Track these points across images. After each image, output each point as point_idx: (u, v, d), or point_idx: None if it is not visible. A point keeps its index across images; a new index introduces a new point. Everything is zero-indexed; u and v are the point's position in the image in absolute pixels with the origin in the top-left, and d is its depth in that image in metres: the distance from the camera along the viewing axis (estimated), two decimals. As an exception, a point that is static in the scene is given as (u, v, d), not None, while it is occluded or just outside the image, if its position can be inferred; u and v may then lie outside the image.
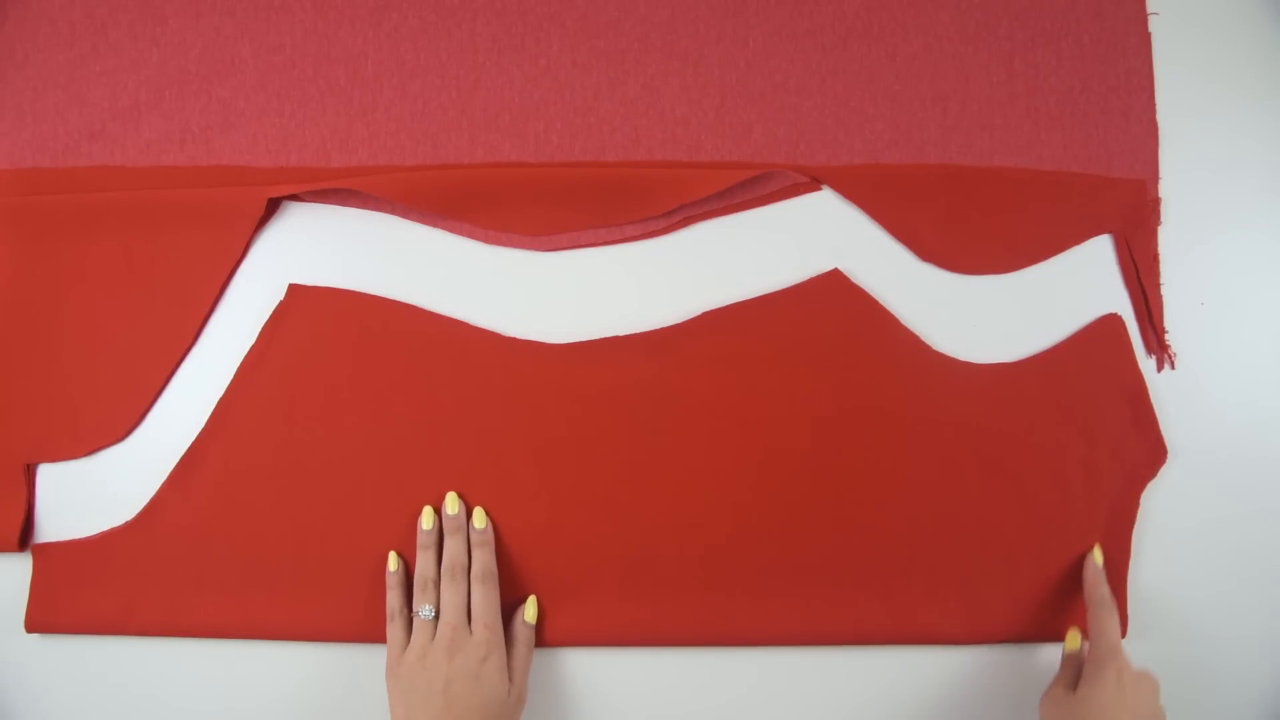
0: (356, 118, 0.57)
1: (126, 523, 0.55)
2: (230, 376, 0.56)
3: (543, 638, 0.55)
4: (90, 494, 0.56)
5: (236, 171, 0.57)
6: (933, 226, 0.57)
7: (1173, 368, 0.57)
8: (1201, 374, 0.57)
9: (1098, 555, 0.55)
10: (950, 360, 0.56)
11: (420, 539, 0.54)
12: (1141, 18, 0.58)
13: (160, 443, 0.56)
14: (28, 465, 0.56)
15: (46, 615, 0.55)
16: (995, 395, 0.56)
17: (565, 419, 0.55)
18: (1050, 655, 0.56)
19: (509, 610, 0.54)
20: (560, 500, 0.55)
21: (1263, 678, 0.57)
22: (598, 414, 0.55)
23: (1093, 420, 0.56)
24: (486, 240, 0.57)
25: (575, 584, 0.55)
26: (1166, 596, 0.56)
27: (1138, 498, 0.56)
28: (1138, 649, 0.56)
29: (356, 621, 0.54)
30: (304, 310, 0.56)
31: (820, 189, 0.58)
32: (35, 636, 0.56)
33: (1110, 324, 0.57)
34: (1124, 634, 0.55)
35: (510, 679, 0.52)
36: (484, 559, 0.53)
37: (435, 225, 0.57)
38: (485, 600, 0.52)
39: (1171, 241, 0.58)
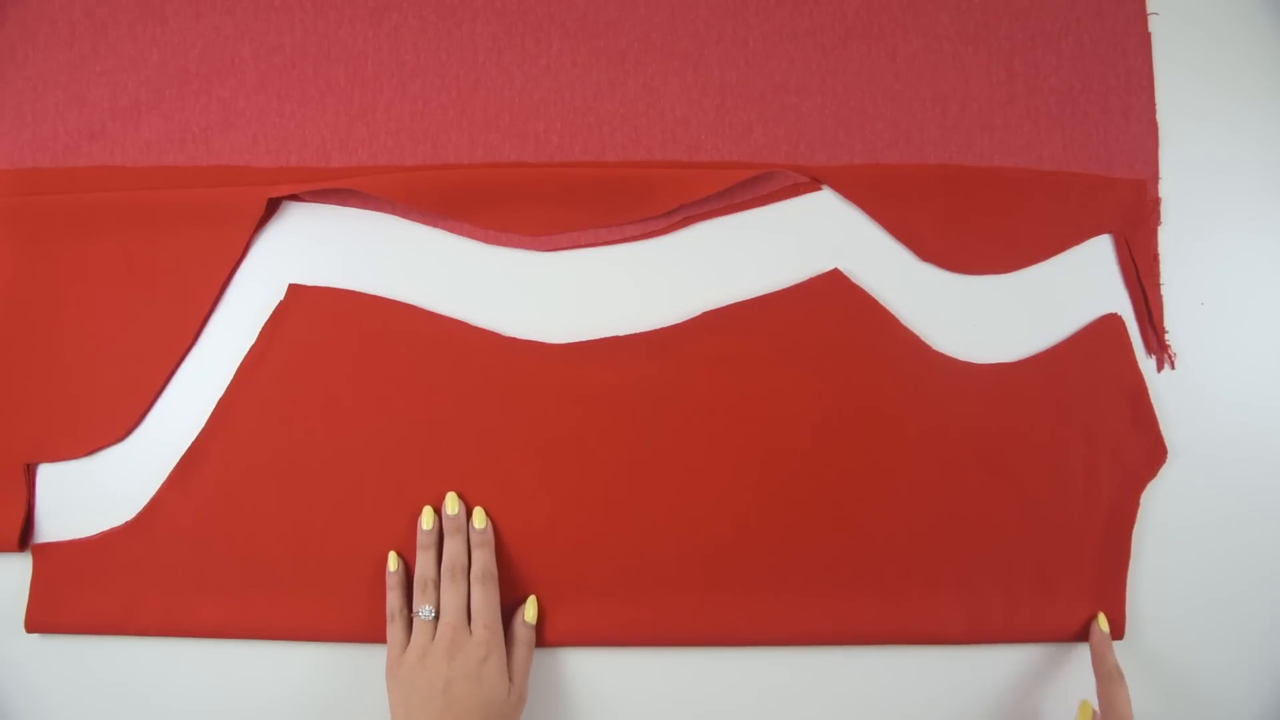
0: (356, 118, 0.57)
1: (126, 523, 0.55)
2: (230, 376, 0.56)
3: (543, 638, 0.55)
4: (90, 494, 0.56)
5: (236, 171, 0.57)
6: (933, 226, 0.57)
7: (1173, 368, 0.57)
8: (1201, 374, 0.57)
9: (1103, 623, 0.54)
10: (950, 360, 0.56)
11: (420, 539, 0.54)
12: (1141, 18, 0.58)
13: (160, 443, 0.56)
14: (28, 465, 0.56)
15: (46, 615, 0.55)
16: (995, 395, 0.56)
17: (565, 419, 0.55)
18: (1050, 655, 0.56)
19: (509, 610, 0.54)
20: (560, 500, 0.55)
21: (1263, 678, 0.57)
22: (598, 414, 0.55)
23: (1093, 420, 0.56)
24: (486, 240, 0.57)
25: (575, 584, 0.55)
26: (1166, 596, 0.56)
27: (1138, 498, 0.56)
28: (1138, 649, 0.56)
29: (357, 621, 0.54)
30: (304, 310, 0.56)
31: (820, 189, 0.58)
32: (35, 636, 0.56)
33: (1110, 324, 0.57)
34: (1123, 634, 0.55)
35: (510, 679, 0.52)
36: (484, 559, 0.53)
37: (435, 225, 0.57)
38: (485, 600, 0.52)
39: (1171, 241, 0.58)
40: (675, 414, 0.55)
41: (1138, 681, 0.56)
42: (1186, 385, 0.57)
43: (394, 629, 0.53)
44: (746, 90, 0.58)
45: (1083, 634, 0.55)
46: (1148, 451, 0.56)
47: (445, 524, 0.54)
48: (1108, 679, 0.52)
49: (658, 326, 0.56)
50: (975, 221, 0.57)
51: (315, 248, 0.57)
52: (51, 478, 0.56)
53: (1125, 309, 0.57)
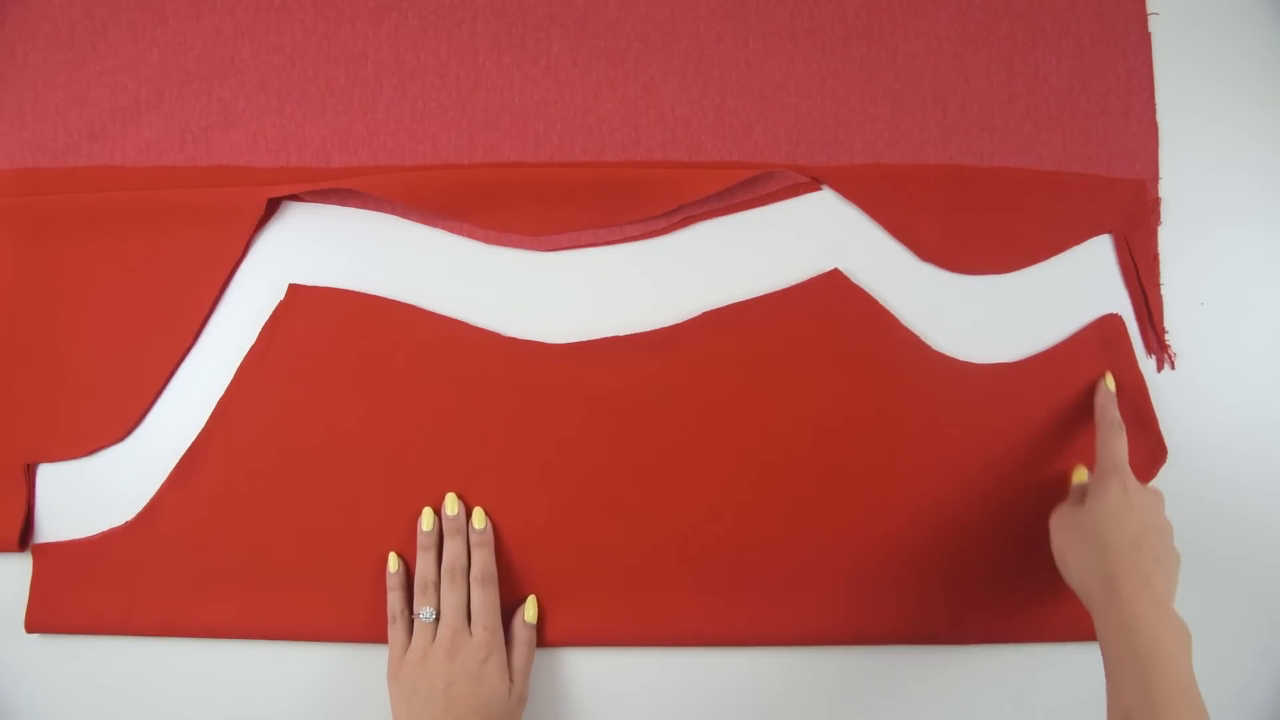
0: (356, 118, 0.57)
1: (126, 523, 0.55)
2: (230, 376, 0.56)
3: (543, 638, 0.55)
4: (90, 494, 0.56)
5: (236, 171, 0.57)
6: (933, 226, 0.57)
7: (1173, 368, 0.57)
8: (1201, 374, 0.57)
9: (1110, 381, 0.55)
10: (950, 360, 0.56)
11: (420, 540, 0.54)
12: (1141, 18, 0.58)
13: (160, 443, 0.56)
14: (28, 465, 0.56)
15: (46, 615, 0.55)
16: (995, 395, 0.56)
17: (565, 419, 0.55)
18: (1051, 655, 0.56)
19: (509, 611, 0.54)
20: (560, 500, 0.55)
21: (1263, 678, 0.57)
22: (598, 414, 0.55)
23: (1093, 420, 0.56)
24: (486, 240, 0.57)
25: (575, 584, 0.55)
26: (1166, 596, 0.56)
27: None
28: (1138, 649, 0.56)
29: (357, 622, 0.54)
30: (304, 310, 0.56)
31: (820, 189, 0.58)
32: (35, 636, 0.56)
33: (1110, 324, 0.57)
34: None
35: (511, 679, 0.52)
36: (483, 560, 0.53)
37: (435, 225, 0.57)
38: (485, 601, 0.52)
39: (1171, 241, 0.58)
40: (675, 414, 0.55)
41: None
42: (1186, 385, 0.57)
43: (395, 630, 0.53)
44: (746, 90, 0.58)
45: (1084, 634, 0.55)
46: (1148, 451, 0.56)
47: (445, 525, 0.54)
48: (1108, 428, 0.53)
49: (658, 326, 0.56)
50: (975, 221, 0.57)
51: (315, 248, 0.57)
52: (51, 478, 0.56)
53: (1125, 309, 0.57)
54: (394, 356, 0.56)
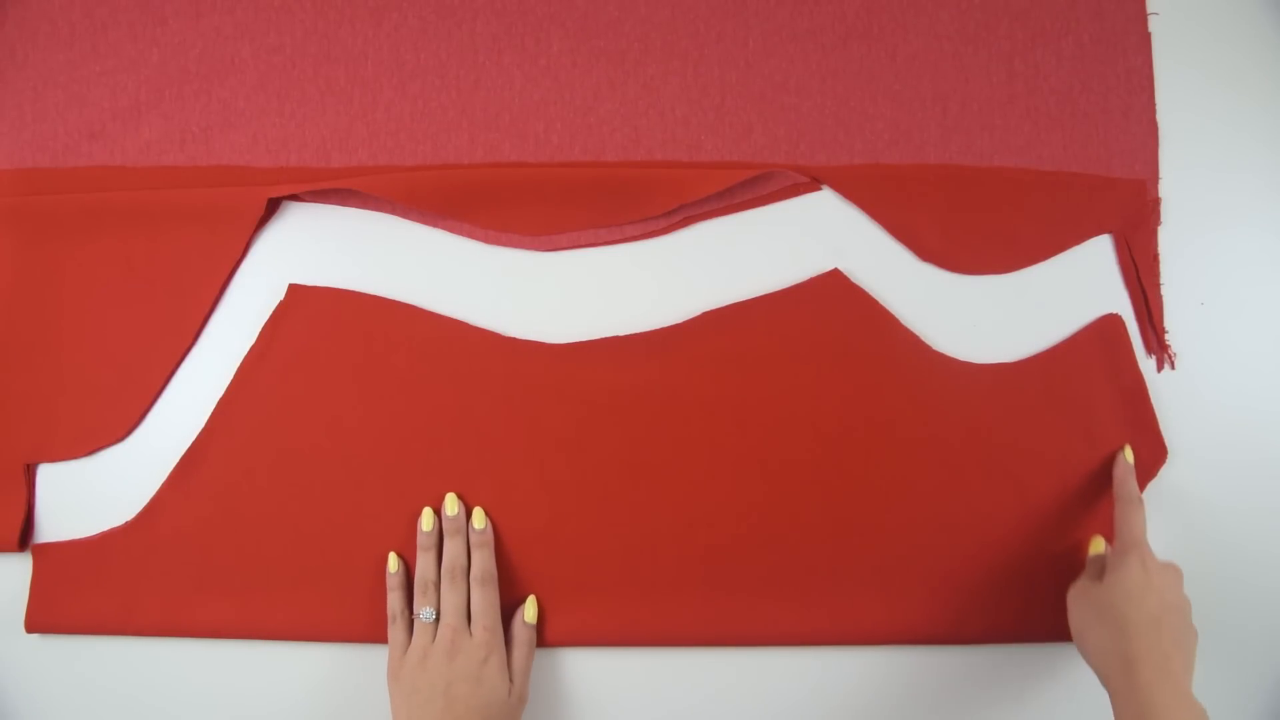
0: (356, 118, 0.57)
1: (126, 523, 0.55)
2: (230, 376, 0.56)
3: (543, 638, 0.55)
4: (90, 494, 0.56)
5: (236, 171, 0.57)
6: (933, 226, 0.57)
7: (1173, 368, 0.57)
8: (1201, 374, 0.57)
9: (1128, 454, 0.55)
10: (950, 360, 0.56)
11: (420, 540, 0.54)
12: (1141, 18, 0.58)
13: (160, 443, 0.56)
14: (28, 465, 0.56)
15: (46, 615, 0.55)
16: (995, 395, 0.56)
17: (565, 419, 0.55)
18: (1051, 655, 0.56)
19: (509, 611, 0.54)
20: (560, 500, 0.55)
21: (1263, 677, 0.57)
22: (598, 414, 0.55)
23: (1093, 420, 0.56)
24: (486, 240, 0.57)
25: (575, 584, 0.55)
26: (1166, 596, 0.56)
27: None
28: (1138, 649, 0.56)
29: (357, 622, 0.54)
30: (304, 310, 0.56)
31: (820, 189, 0.58)
32: (35, 636, 0.56)
33: (1110, 324, 0.57)
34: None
35: (510, 679, 0.52)
36: (483, 560, 0.53)
37: (435, 225, 0.57)
38: (484, 602, 0.52)
39: (1171, 241, 0.58)
40: (675, 414, 0.55)
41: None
42: (1186, 385, 0.57)
43: (395, 630, 0.53)
44: (746, 90, 0.58)
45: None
46: (1148, 451, 0.56)
47: (445, 525, 0.54)
48: (1127, 502, 0.53)
49: (658, 326, 0.56)
50: (975, 221, 0.57)
51: (315, 248, 0.57)
52: (51, 478, 0.56)
53: (1125, 309, 0.57)
54: (394, 356, 0.56)
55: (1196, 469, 0.57)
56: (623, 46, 0.58)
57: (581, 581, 0.55)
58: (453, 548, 0.54)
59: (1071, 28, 0.58)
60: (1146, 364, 0.57)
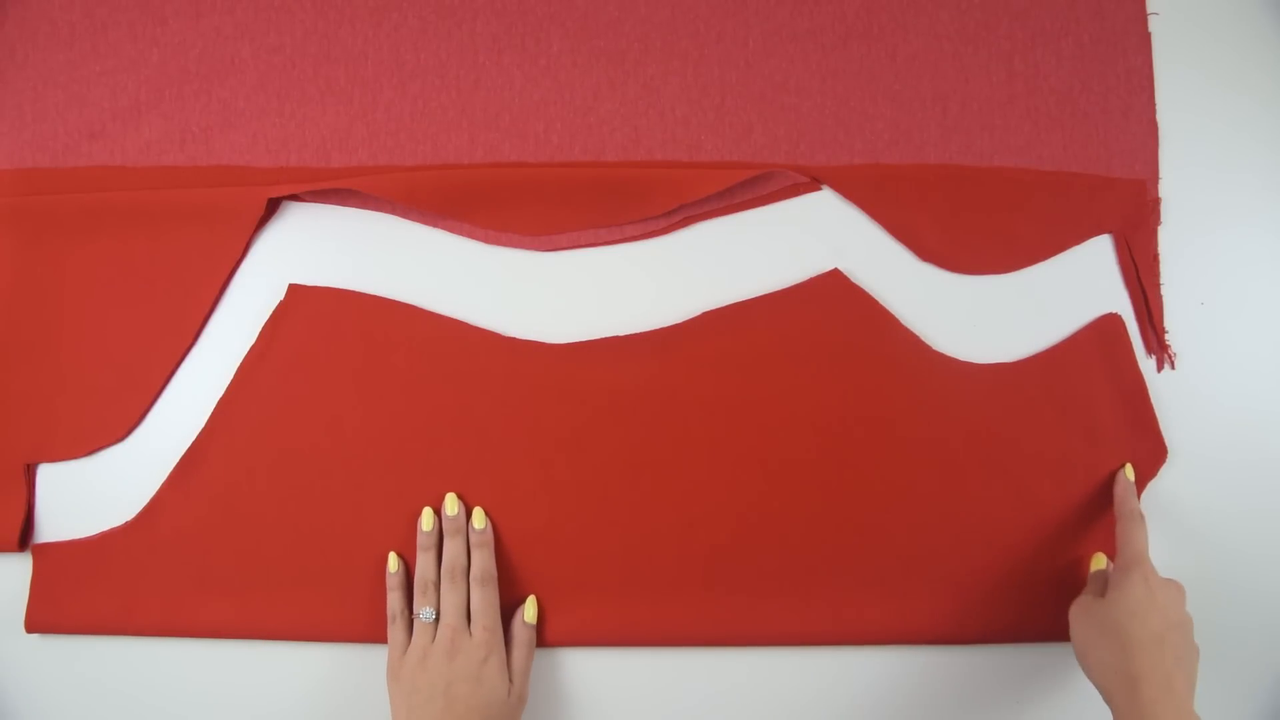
0: (356, 118, 0.57)
1: (126, 523, 0.55)
2: (230, 376, 0.56)
3: (543, 638, 0.55)
4: (90, 494, 0.56)
5: (236, 171, 0.57)
6: (933, 226, 0.57)
7: (1173, 368, 0.57)
8: (1201, 374, 0.57)
9: (1129, 471, 0.55)
10: (950, 360, 0.56)
11: (420, 540, 0.54)
12: (1141, 18, 0.58)
13: (160, 443, 0.56)
14: (28, 465, 0.56)
15: (46, 615, 0.55)
16: (995, 395, 0.56)
17: (565, 419, 0.55)
18: (1051, 655, 0.56)
19: (509, 611, 0.54)
20: (560, 500, 0.55)
21: (1262, 677, 0.57)
22: (598, 414, 0.55)
23: (1093, 420, 0.56)
24: (486, 240, 0.57)
25: (575, 584, 0.55)
26: (1166, 596, 0.56)
27: (1138, 498, 0.56)
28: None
29: (357, 622, 0.54)
30: (304, 310, 0.56)
31: (820, 189, 0.58)
32: (35, 636, 0.56)
33: (1110, 324, 0.57)
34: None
35: (510, 679, 0.52)
36: (483, 560, 0.53)
37: (435, 225, 0.57)
38: (484, 602, 0.52)
39: (1171, 241, 0.58)
40: (675, 414, 0.55)
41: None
42: (1186, 385, 0.57)
43: (395, 630, 0.53)
44: (746, 90, 0.58)
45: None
46: (1148, 451, 0.56)
47: (445, 525, 0.54)
48: (1128, 519, 0.53)
49: (658, 326, 0.56)
50: (975, 221, 0.57)
51: (315, 248, 0.57)
52: (51, 478, 0.56)
53: (1125, 309, 0.57)
54: (394, 356, 0.56)
55: (1196, 469, 0.57)
56: (623, 46, 0.58)
57: (581, 581, 0.55)
58: (453, 548, 0.54)
59: (1071, 28, 0.58)
60: (1146, 364, 0.57)
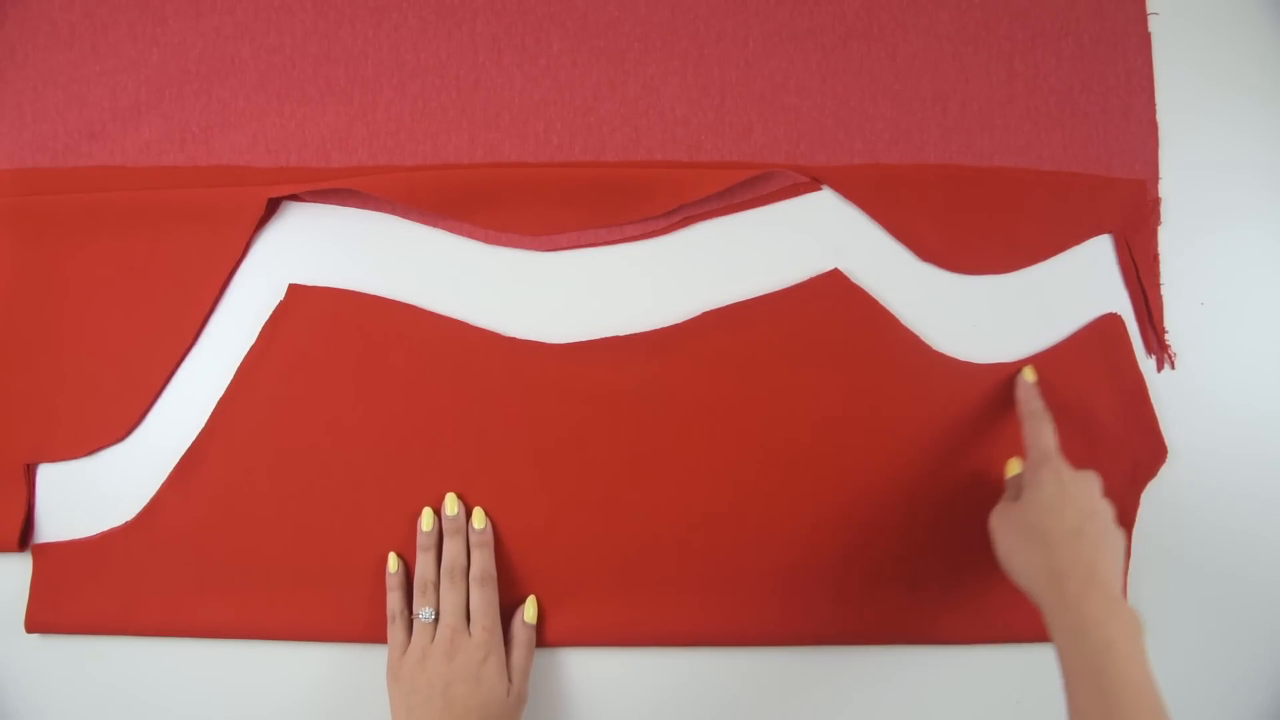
0: (356, 118, 0.57)
1: (126, 523, 0.55)
2: (230, 376, 0.56)
3: (543, 638, 0.55)
4: (90, 494, 0.56)
5: (236, 171, 0.57)
6: (933, 226, 0.57)
7: (1173, 368, 0.57)
8: (1201, 374, 0.57)
9: (1029, 373, 0.55)
10: (950, 360, 0.56)
11: (420, 540, 0.54)
12: (1141, 17, 0.58)
13: (160, 443, 0.56)
14: (28, 465, 0.56)
15: (46, 615, 0.55)
16: (995, 395, 0.56)
17: (565, 419, 0.55)
18: (1051, 655, 0.56)
19: (509, 611, 0.54)
20: (560, 500, 0.55)
21: (1263, 677, 0.57)
22: (598, 414, 0.55)
23: (1093, 420, 0.56)
24: (486, 240, 0.57)
25: (575, 584, 0.55)
26: (1166, 596, 0.56)
27: (1138, 498, 0.56)
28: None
29: (357, 622, 0.54)
30: (304, 310, 0.56)
31: (820, 189, 0.58)
32: (35, 636, 0.56)
33: (1110, 324, 0.57)
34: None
35: (510, 679, 0.52)
36: (482, 560, 0.53)
37: (435, 225, 0.57)
38: (484, 602, 0.52)
39: (1171, 241, 0.58)
40: (675, 414, 0.55)
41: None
42: (1186, 385, 0.57)
43: (394, 630, 0.53)
44: (746, 90, 0.58)
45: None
46: (1148, 451, 0.56)
47: (445, 525, 0.54)
48: (1032, 418, 0.53)
49: (658, 326, 0.56)
50: (975, 221, 0.57)
51: (315, 248, 0.57)
52: (51, 478, 0.56)
53: (1125, 309, 0.57)
54: (394, 356, 0.56)
55: (1196, 469, 0.57)
56: (623, 46, 0.58)
57: (581, 581, 0.55)
58: (452, 548, 0.54)
59: (1071, 28, 0.58)
60: (1146, 364, 0.57)
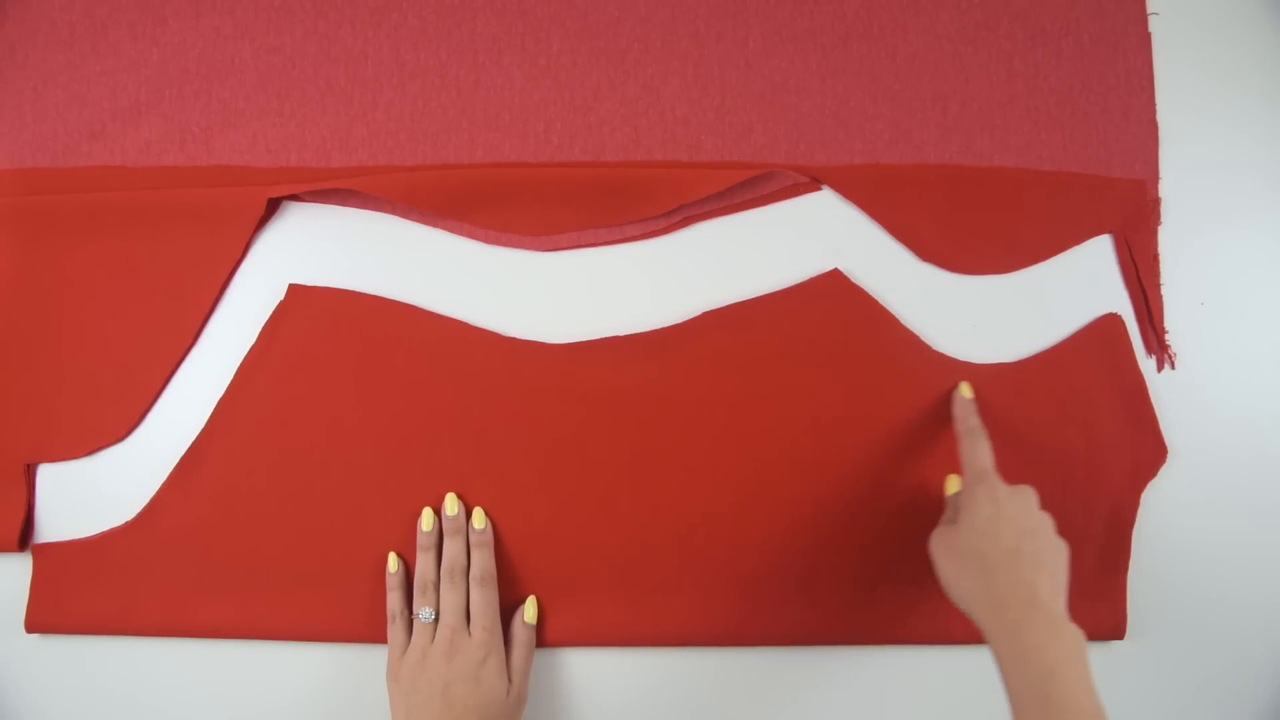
0: (356, 118, 0.57)
1: (126, 523, 0.55)
2: (230, 376, 0.56)
3: (543, 638, 0.55)
4: (90, 494, 0.56)
5: (236, 171, 0.57)
6: (933, 226, 0.57)
7: (1173, 368, 0.57)
8: (1201, 374, 0.57)
9: (965, 389, 0.55)
10: (950, 360, 0.56)
11: (420, 540, 0.54)
12: (1141, 17, 0.58)
13: (160, 443, 0.56)
14: (28, 465, 0.56)
15: (46, 615, 0.55)
16: (995, 395, 0.56)
17: (565, 419, 0.55)
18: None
19: (509, 611, 0.54)
20: (560, 500, 0.55)
21: (1263, 677, 0.57)
22: (598, 414, 0.55)
23: (1093, 420, 0.56)
24: (486, 240, 0.57)
25: (575, 584, 0.55)
26: (1166, 596, 0.56)
27: (1138, 498, 0.56)
28: (1138, 649, 0.56)
29: (357, 622, 0.54)
30: (304, 310, 0.56)
31: (820, 189, 0.58)
32: (35, 636, 0.56)
33: (1110, 324, 0.57)
34: (1124, 634, 0.56)
35: (509, 679, 0.52)
36: (482, 560, 0.53)
37: (435, 225, 0.57)
38: (484, 602, 0.52)
39: (1171, 241, 0.58)
40: (675, 414, 0.55)
41: (1138, 681, 0.56)
42: (1186, 385, 0.57)
43: (394, 630, 0.53)
44: (746, 90, 0.58)
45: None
46: (1148, 451, 0.56)
47: (445, 525, 0.54)
48: (969, 435, 0.52)
49: (658, 326, 0.56)
50: (975, 221, 0.57)
51: (315, 248, 0.57)
52: (51, 478, 0.56)
53: (1125, 309, 0.57)
54: (394, 356, 0.56)
55: (1196, 469, 0.57)
56: (623, 46, 0.58)
57: (582, 582, 0.55)
58: (452, 548, 0.54)
59: (1071, 28, 0.58)
60: (1146, 364, 0.57)
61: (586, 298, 0.57)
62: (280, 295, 0.56)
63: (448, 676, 0.50)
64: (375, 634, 0.54)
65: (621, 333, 0.56)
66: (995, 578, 0.46)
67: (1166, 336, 0.57)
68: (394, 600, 0.53)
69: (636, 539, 0.55)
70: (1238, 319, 0.58)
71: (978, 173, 0.57)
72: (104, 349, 0.56)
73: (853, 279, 0.57)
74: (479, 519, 0.54)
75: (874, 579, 0.55)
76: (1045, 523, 0.49)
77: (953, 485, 0.54)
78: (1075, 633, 0.44)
